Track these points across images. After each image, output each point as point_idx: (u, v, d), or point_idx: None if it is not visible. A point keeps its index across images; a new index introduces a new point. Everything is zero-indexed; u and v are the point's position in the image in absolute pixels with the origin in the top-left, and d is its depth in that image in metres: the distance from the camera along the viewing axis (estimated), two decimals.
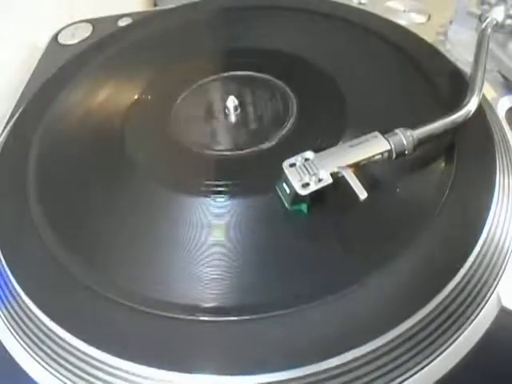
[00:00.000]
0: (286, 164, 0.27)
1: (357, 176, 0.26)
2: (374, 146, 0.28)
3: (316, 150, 0.28)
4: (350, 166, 0.27)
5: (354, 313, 0.24)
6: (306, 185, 0.26)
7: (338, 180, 0.27)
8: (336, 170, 0.27)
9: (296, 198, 0.27)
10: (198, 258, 0.27)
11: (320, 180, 0.27)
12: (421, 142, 0.28)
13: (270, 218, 0.28)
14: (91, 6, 0.50)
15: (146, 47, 0.41)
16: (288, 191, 0.27)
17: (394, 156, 0.28)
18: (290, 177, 0.27)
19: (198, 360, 0.23)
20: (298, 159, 0.28)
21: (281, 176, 0.28)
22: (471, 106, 0.30)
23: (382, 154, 0.28)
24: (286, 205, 0.28)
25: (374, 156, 0.28)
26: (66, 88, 0.38)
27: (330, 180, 0.27)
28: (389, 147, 0.28)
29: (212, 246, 0.27)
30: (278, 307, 0.24)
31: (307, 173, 0.27)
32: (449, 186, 0.28)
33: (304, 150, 0.28)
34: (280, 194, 0.28)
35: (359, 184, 0.26)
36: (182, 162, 0.32)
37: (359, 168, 0.27)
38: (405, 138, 0.28)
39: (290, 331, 0.24)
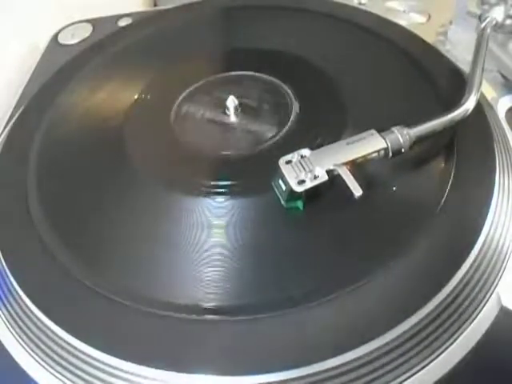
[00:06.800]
0: (282, 161, 0.27)
1: (353, 173, 0.26)
2: (371, 144, 0.28)
3: (313, 148, 0.28)
4: (345, 163, 0.27)
5: (353, 313, 0.24)
6: (301, 182, 0.27)
7: (335, 177, 0.27)
8: (332, 167, 0.27)
9: (292, 195, 0.27)
10: (197, 257, 0.27)
11: (316, 177, 0.27)
12: (418, 141, 0.28)
13: (269, 218, 0.28)
14: (91, 6, 0.50)
15: (146, 47, 0.41)
16: (284, 188, 0.27)
17: (391, 154, 0.28)
18: (285, 174, 0.27)
19: (198, 360, 0.23)
20: (294, 156, 0.28)
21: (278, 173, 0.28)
22: (469, 104, 0.30)
23: (378, 151, 0.28)
24: (282, 201, 0.28)
25: (370, 154, 0.28)
26: (66, 88, 0.38)
27: (326, 177, 0.27)
28: (385, 145, 0.28)
29: (212, 246, 0.27)
30: (277, 307, 0.24)
31: (303, 170, 0.27)
32: (448, 186, 0.28)
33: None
34: (276, 190, 0.28)
35: (354, 181, 0.26)
36: (182, 162, 0.32)
37: (356, 165, 0.27)
38: (401, 136, 0.28)
39: (289, 331, 0.24)
